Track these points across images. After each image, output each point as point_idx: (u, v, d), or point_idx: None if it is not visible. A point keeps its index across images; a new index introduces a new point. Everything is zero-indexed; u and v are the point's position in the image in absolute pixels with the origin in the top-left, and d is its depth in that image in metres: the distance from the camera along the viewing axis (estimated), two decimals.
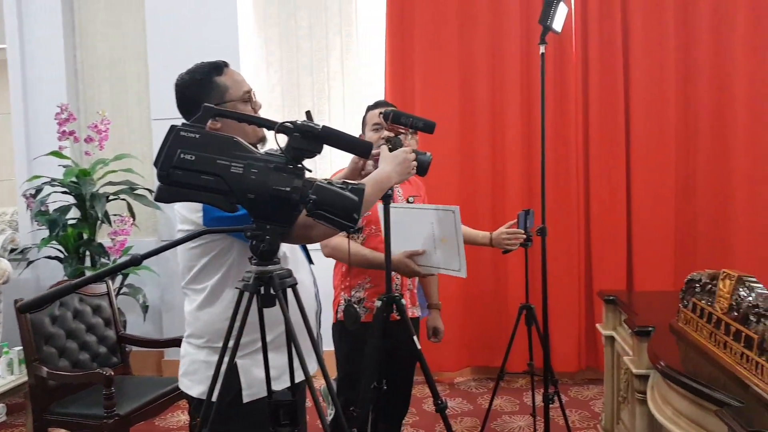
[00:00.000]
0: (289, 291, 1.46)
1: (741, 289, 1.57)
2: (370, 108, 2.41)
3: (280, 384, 1.58)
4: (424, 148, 3.92)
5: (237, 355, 1.57)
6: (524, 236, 2.44)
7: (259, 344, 1.47)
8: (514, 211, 2.99)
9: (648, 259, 3.87)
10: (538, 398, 2.86)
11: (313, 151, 1.39)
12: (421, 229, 2.07)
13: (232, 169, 1.37)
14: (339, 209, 1.34)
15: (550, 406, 2.73)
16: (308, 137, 1.37)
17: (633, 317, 2.28)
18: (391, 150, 1.77)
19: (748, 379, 1.45)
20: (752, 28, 3.75)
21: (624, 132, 3.88)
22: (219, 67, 1.76)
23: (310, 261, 1.81)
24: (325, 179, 1.40)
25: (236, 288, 1.45)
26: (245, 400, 1.61)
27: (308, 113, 1.50)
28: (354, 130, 4.25)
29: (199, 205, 1.58)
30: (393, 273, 2.05)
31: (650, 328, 2.06)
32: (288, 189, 1.35)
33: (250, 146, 1.42)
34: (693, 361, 1.73)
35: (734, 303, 1.59)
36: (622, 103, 3.88)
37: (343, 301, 2.25)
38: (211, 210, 1.58)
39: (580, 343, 3.99)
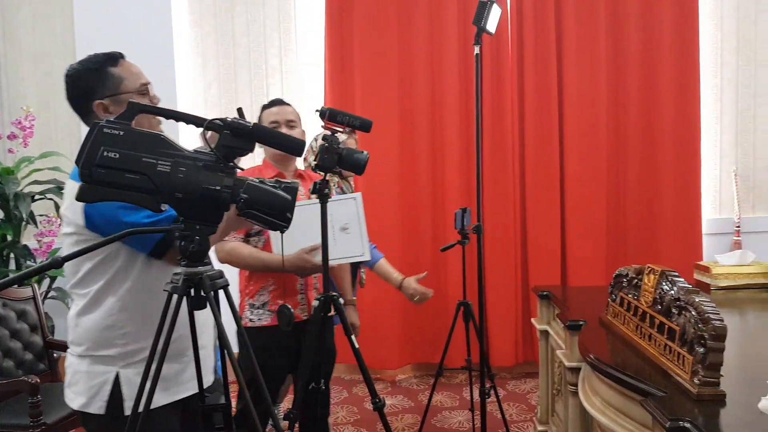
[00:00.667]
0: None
1: (664, 283, 1.64)
2: (265, 107, 2.33)
3: (170, 396, 1.56)
4: (364, 147, 3.96)
5: (119, 364, 1.56)
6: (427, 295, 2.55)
7: (146, 354, 1.38)
8: (453, 210, 3.02)
9: (581, 255, 3.99)
10: (477, 393, 2.90)
11: (245, 149, 1.36)
12: (318, 222, 2.03)
13: (159, 167, 1.33)
14: (271, 208, 1.32)
15: (488, 400, 2.77)
16: (239, 135, 1.34)
17: (565, 312, 2.34)
18: (326, 148, 1.76)
19: (671, 369, 1.51)
20: (677, 34, 3.92)
21: (558, 133, 3.99)
22: (114, 57, 1.64)
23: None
24: (258, 178, 1.37)
25: (164, 290, 1.41)
26: (126, 412, 1.53)
27: (240, 110, 1.46)
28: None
29: (81, 206, 1.51)
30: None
31: (581, 322, 2.12)
32: (218, 188, 1.32)
33: (178, 144, 1.37)
34: (621, 353, 1.79)
35: (658, 296, 1.65)
36: (556, 105, 3.98)
37: (247, 306, 2.22)
38: (92, 214, 1.52)
39: (518, 337, 4.08)
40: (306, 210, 2.00)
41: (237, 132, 1.34)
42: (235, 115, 1.39)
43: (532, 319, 2.94)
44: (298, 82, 4.23)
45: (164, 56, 3.92)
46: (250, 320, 2.20)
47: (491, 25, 2.23)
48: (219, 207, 1.36)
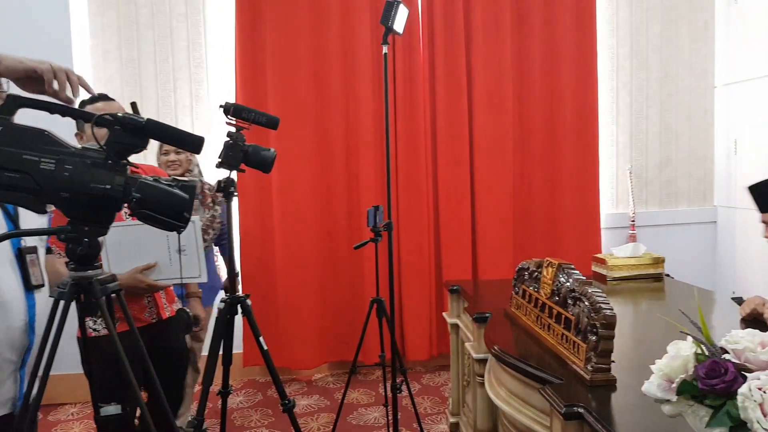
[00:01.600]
0: None
1: (561, 276, 1.72)
2: (87, 102, 2.06)
3: None
4: (279, 144, 3.91)
5: None
6: None
7: None
8: (369, 207, 3.02)
9: (490, 249, 4.12)
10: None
11: (138, 146, 1.30)
12: (155, 243, 2.04)
13: (42, 165, 1.25)
14: (167, 208, 1.27)
15: (402, 395, 2.81)
16: (131, 131, 1.28)
17: (473, 305, 2.40)
18: (230, 145, 1.71)
19: (567, 358, 1.58)
20: (577, 40, 4.12)
21: (468, 132, 4.10)
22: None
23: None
24: (153, 176, 1.31)
25: (51, 296, 1.33)
26: None
27: (133, 104, 1.40)
28: (204, 125, 4.12)
29: None
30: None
31: (487, 315, 2.18)
32: (108, 187, 1.26)
33: (64, 140, 1.29)
34: (523, 343, 1.86)
35: (555, 288, 1.73)
36: (466, 105, 4.08)
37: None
38: None
39: (432, 331, 4.16)
40: (137, 230, 1.97)
41: (129, 127, 1.28)
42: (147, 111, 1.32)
43: (443, 313, 3.00)
44: (207, 77, 4.11)
45: (60, 47, 3.69)
46: (94, 330, 2.01)
47: (399, 25, 2.25)
48: (109, 207, 1.30)
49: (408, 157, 4.06)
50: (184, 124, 4.07)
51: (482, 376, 2.19)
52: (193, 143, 1.32)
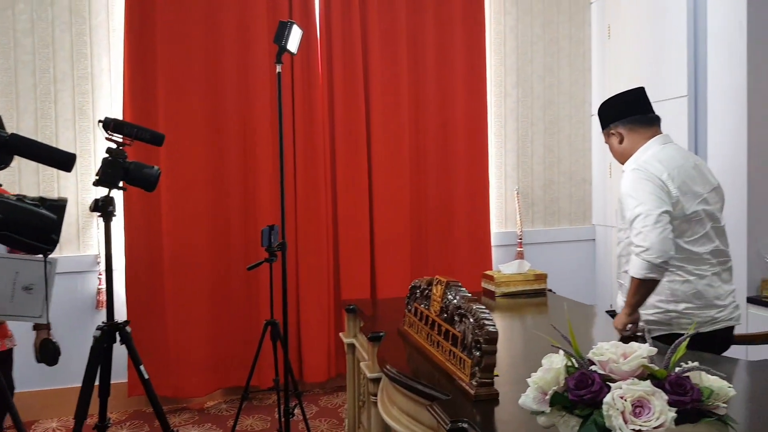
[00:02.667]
0: None
1: (449, 293, 1.77)
2: None
3: None
4: (170, 162, 3.77)
5: None
6: None
7: None
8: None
9: (389, 268, 4.17)
10: None
11: (0, 163, 1.21)
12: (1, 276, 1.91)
13: None
14: (32, 230, 1.18)
15: (297, 419, 2.76)
16: None
17: (368, 324, 2.41)
18: (109, 162, 1.62)
19: (454, 374, 1.62)
20: (469, 67, 4.31)
21: (366, 155, 4.16)
22: None
23: None
24: (17, 195, 1.22)
25: None
26: None
27: None
28: (87, 140, 3.89)
29: None
30: None
31: (381, 334, 2.20)
32: None
33: None
34: (415, 361, 1.89)
35: (444, 305, 1.78)
36: (364, 129, 4.14)
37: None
38: None
39: (330, 352, 4.13)
40: None
41: None
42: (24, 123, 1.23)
43: (340, 333, 2.99)
44: (92, 89, 3.89)
45: None
46: None
47: (293, 45, 2.25)
48: None
49: (307, 176, 4.04)
50: (66, 139, 3.83)
51: (376, 395, 2.20)
52: (63, 161, 1.24)
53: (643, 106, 2.39)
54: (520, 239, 4.40)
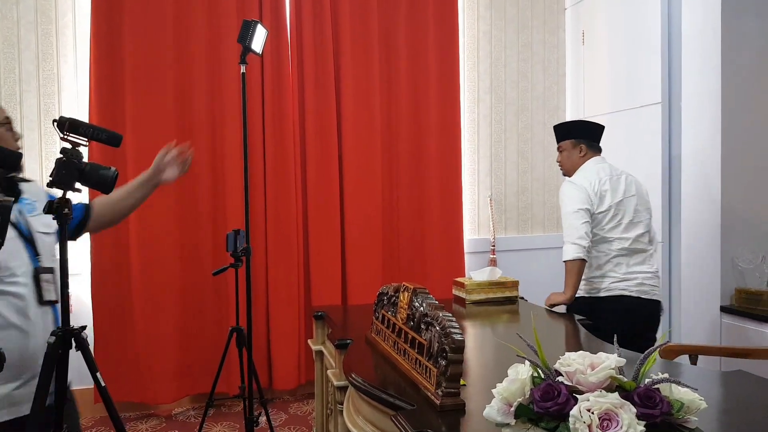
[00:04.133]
0: None
1: (416, 300, 1.73)
2: None
3: None
4: (137, 165, 3.68)
5: None
6: None
7: None
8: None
9: (360, 274, 4.12)
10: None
11: None
12: None
13: None
14: None
15: (261, 427, 2.69)
16: None
17: (336, 331, 2.36)
18: (64, 162, 1.56)
19: (420, 383, 1.58)
20: (441, 73, 4.30)
21: (337, 158, 4.11)
22: None
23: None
24: None
25: None
26: None
27: None
28: (53, 142, 3.79)
29: None
30: None
31: (348, 341, 2.15)
32: None
33: None
34: (381, 369, 1.84)
35: (411, 313, 1.73)
36: (335, 132, 4.09)
37: None
38: None
39: (300, 359, 4.07)
40: None
41: None
42: None
43: (309, 341, 2.93)
44: (59, 90, 3.79)
45: None
46: None
47: (257, 45, 2.20)
48: None
49: (277, 180, 3.98)
50: (32, 139, 3.73)
51: (342, 403, 2.15)
52: (6, 160, 1.18)
53: (599, 138, 3.06)
54: (493, 246, 4.39)
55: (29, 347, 1.71)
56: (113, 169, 1.65)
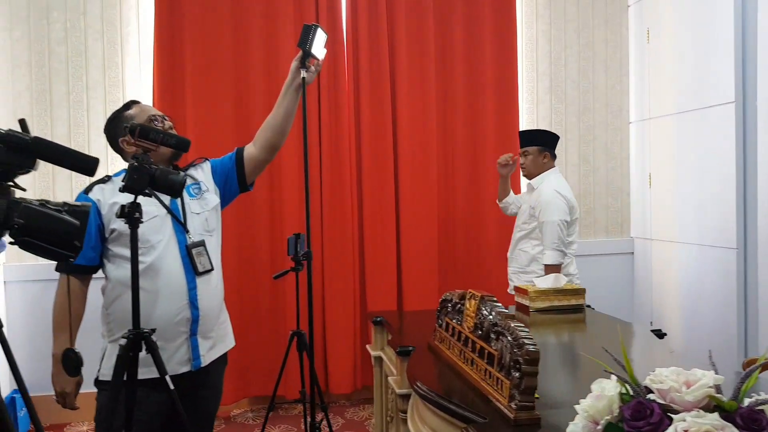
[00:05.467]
0: None
1: (483, 308, 1.67)
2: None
3: None
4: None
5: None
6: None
7: None
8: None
9: (415, 280, 4.07)
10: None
11: (24, 166, 1.16)
12: None
13: None
14: (53, 236, 1.13)
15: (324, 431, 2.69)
16: (15, 149, 1.15)
17: (396, 337, 2.33)
18: (135, 168, 1.58)
19: (491, 395, 1.52)
20: (499, 74, 4.22)
21: (393, 162, 4.09)
22: (128, 104, 2.04)
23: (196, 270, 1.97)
24: (40, 200, 1.18)
25: None
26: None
27: (22, 122, 1.26)
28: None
29: None
30: None
31: (411, 348, 2.11)
32: None
33: None
34: (446, 379, 1.80)
35: (478, 322, 1.68)
36: (390, 135, 4.08)
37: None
38: None
39: (356, 364, 4.05)
40: None
41: (13, 146, 1.15)
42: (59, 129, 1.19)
43: (367, 346, 2.91)
44: (123, 97, 3.91)
45: None
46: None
47: (317, 49, 2.20)
48: None
49: (333, 185, 3.99)
50: (98, 146, 3.85)
51: (406, 412, 2.11)
52: (86, 164, 1.19)
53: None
54: None
55: (157, 313, 1.89)
56: (182, 174, 1.68)
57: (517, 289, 2.80)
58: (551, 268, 3.08)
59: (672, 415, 0.94)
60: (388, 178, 4.06)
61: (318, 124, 3.97)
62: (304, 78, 2.15)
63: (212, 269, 2.04)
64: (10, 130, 1.15)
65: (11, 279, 3.70)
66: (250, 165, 2.21)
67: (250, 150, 2.22)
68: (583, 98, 4.48)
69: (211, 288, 2.05)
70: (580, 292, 2.65)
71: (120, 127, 1.93)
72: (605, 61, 4.50)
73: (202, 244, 2.01)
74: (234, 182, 2.21)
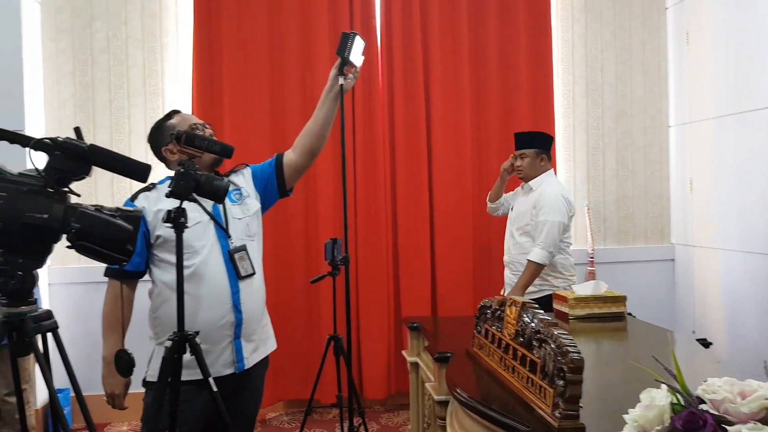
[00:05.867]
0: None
1: (525, 315, 1.66)
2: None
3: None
4: None
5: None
6: None
7: None
8: (326, 240, 2.94)
9: (450, 286, 4.06)
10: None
11: (79, 173, 1.20)
12: None
13: None
14: (108, 240, 1.17)
15: None
16: (72, 156, 1.19)
17: (434, 343, 2.32)
18: (181, 174, 1.62)
19: (534, 402, 1.51)
20: (534, 77, 4.19)
21: (426, 166, 4.08)
22: (170, 114, 2.09)
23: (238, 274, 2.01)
24: (95, 205, 1.21)
25: None
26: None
27: (77, 129, 1.30)
28: None
29: None
30: None
31: (449, 354, 2.11)
32: (45, 216, 1.15)
33: (2, 166, 1.19)
34: (486, 385, 1.79)
35: (520, 329, 1.67)
36: (425, 140, 4.08)
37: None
38: None
39: (391, 369, 4.05)
40: None
41: (69, 153, 1.19)
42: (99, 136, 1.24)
43: (403, 351, 2.91)
44: (163, 104, 4.00)
45: (13, 71, 3.56)
46: None
47: (355, 57, 2.22)
48: (47, 238, 1.19)
49: (367, 189, 4.00)
50: (138, 152, 3.93)
51: (444, 419, 2.10)
52: (139, 171, 1.23)
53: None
54: (592, 258, 4.19)
55: (201, 316, 1.93)
56: (226, 180, 1.71)
57: (555, 296, 2.77)
58: (534, 267, 3.10)
59: (726, 427, 0.92)
60: (422, 182, 4.06)
61: (352, 128, 3.99)
62: (342, 85, 2.17)
63: (254, 273, 2.07)
64: (67, 138, 1.20)
65: (56, 281, 3.81)
66: (289, 170, 2.24)
67: (290, 156, 2.25)
68: (621, 102, 4.41)
69: (254, 292, 2.08)
70: (620, 300, 2.61)
71: (163, 136, 1.99)
72: (643, 64, 4.43)
73: (243, 248, 2.04)
74: (274, 188, 2.24)
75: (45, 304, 3.73)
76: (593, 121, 4.39)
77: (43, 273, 3.67)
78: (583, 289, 2.67)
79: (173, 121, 2.05)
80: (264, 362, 2.16)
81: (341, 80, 2.19)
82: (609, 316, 2.58)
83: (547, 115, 4.20)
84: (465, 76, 4.10)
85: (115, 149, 4.00)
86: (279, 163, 2.25)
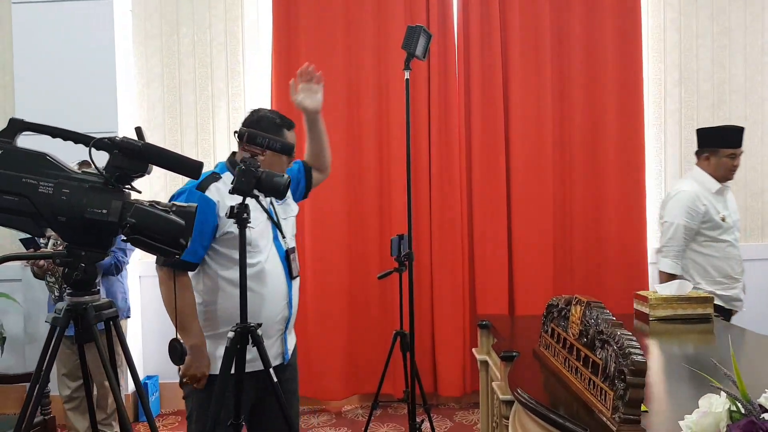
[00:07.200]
0: None
1: (589, 315, 1.58)
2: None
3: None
4: None
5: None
6: None
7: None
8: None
9: (529, 284, 3.94)
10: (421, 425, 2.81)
11: (136, 170, 1.27)
12: None
13: (41, 188, 1.22)
14: (161, 234, 1.22)
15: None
16: (129, 155, 1.25)
17: (501, 342, 2.27)
18: (243, 171, 1.67)
19: (594, 405, 1.44)
20: (622, 66, 3.97)
21: (504, 162, 3.98)
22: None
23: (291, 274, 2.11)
24: (150, 201, 1.27)
25: (46, 322, 1.30)
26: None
27: (138, 129, 1.37)
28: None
29: None
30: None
31: (514, 353, 2.05)
32: (104, 211, 1.22)
33: (65, 163, 1.27)
34: (550, 386, 1.72)
35: (584, 329, 1.59)
36: (503, 134, 3.97)
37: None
38: None
39: (465, 367, 4.00)
40: None
41: (128, 152, 1.25)
42: (191, 137, 1.31)
43: (473, 349, 2.86)
44: (245, 105, 4.15)
45: (105, 76, 3.82)
46: None
47: (420, 50, 2.20)
48: (106, 232, 1.26)
49: (442, 185, 3.96)
50: (222, 150, 4.11)
51: (509, 418, 2.05)
52: (192, 168, 1.28)
53: None
54: None
55: (264, 312, 2.02)
56: (286, 176, 1.74)
57: (636, 296, 2.62)
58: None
59: None
60: (499, 179, 3.97)
61: (428, 123, 3.96)
62: (407, 80, 2.16)
63: (298, 276, 2.21)
64: (124, 137, 1.26)
65: (145, 274, 4.05)
66: (313, 177, 2.40)
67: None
68: (718, 90, 4.11)
69: (297, 289, 2.23)
70: (706, 301, 2.44)
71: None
72: (744, 50, 4.11)
73: (295, 249, 2.18)
74: (302, 191, 2.36)
75: (136, 295, 3.98)
76: (687, 111, 4.12)
77: (134, 266, 3.90)
78: (666, 289, 2.51)
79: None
80: (295, 350, 2.29)
81: (406, 74, 2.20)
82: (694, 318, 2.41)
83: (636, 106, 3.97)
84: (546, 65, 3.95)
85: (200, 148, 4.22)
86: (307, 169, 2.37)
